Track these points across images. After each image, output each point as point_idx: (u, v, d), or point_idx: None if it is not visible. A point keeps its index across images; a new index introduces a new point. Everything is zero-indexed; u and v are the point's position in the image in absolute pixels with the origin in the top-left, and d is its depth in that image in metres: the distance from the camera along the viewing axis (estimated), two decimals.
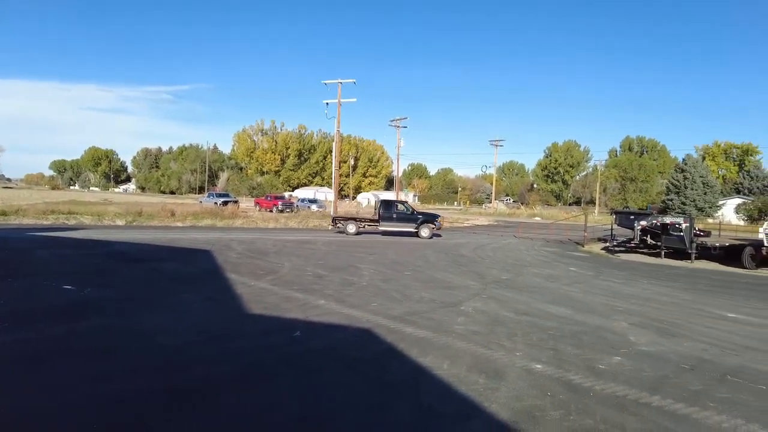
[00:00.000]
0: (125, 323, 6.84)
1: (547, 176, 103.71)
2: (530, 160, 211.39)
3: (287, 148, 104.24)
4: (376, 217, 25.40)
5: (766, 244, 17.74)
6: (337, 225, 26.35)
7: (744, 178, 76.10)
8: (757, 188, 69.77)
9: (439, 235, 25.67)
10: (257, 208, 45.13)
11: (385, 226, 24.83)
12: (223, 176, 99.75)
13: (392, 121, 51.42)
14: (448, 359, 5.72)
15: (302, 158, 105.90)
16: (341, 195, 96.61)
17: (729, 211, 61.99)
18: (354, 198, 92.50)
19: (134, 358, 5.46)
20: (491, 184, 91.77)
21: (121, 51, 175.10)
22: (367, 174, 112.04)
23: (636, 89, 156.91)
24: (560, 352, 6.16)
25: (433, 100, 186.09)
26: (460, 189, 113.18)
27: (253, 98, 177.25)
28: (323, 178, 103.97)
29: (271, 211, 42.22)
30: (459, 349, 6.15)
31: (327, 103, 34.30)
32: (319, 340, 6.39)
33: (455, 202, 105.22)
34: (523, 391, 4.83)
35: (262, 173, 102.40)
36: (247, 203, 53.95)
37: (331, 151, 35.48)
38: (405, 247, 19.62)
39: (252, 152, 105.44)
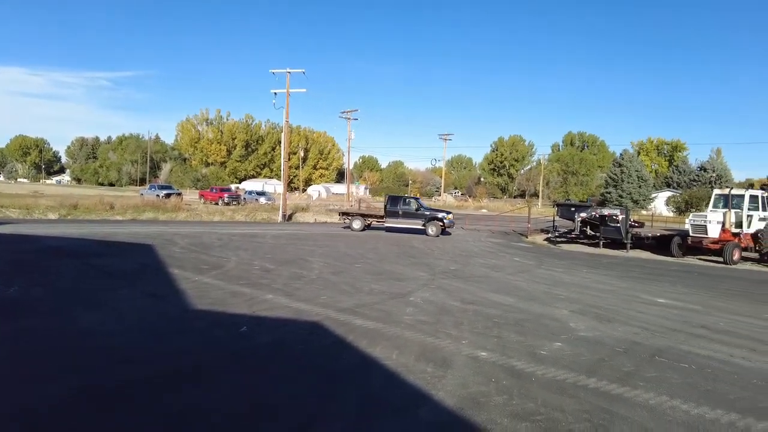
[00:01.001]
0: (56, 323, 6.44)
1: (494, 170, 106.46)
2: (478, 154, 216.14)
3: (234, 139, 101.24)
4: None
5: (691, 233, 19.06)
6: (345, 220, 25.67)
7: (673, 172, 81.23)
8: (685, 182, 74.72)
9: (449, 233, 24.33)
10: (202, 200, 43.68)
11: (390, 223, 23.85)
12: (166, 167, 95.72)
13: (343, 112, 51.15)
14: (397, 349, 5.77)
15: (250, 149, 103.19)
16: (291, 187, 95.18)
17: (660, 204, 66.15)
18: (304, 190, 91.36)
19: (63, 359, 5.16)
20: (441, 177, 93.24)
21: (54, 33, 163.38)
22: (318, 166, 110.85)
23: (578, 86, 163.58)
24: (504, 340, 6.37)
25: (385, 93, 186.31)
26: (410, 182, 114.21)
27: (197, 87, 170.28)
28: (272, 170, 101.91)
29: (216, 203, 41.00)
30: (407, 338, 6.22)
31: (275, 93, 33.54)
32: (267, 335, 6.29)
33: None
34: (468, 378, 4.95)
35: (208, 164, 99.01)
36: (191, 196, 52.13)
37: (280, 142, 34.77)
38: (356, 240, 19.62)
39: (196, 143, 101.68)
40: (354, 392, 4.59)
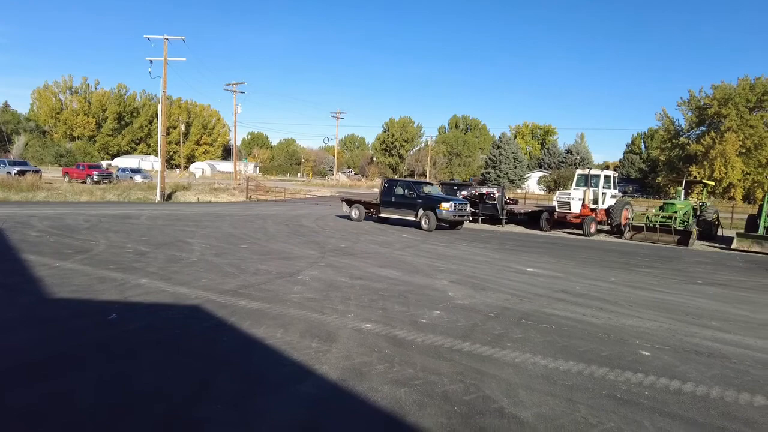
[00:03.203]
0: None
1: (385, 150, 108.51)
2: (370, 133, 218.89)
3: (104, 111, 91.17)
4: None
5: (557, 209, 21.20)
6: (344, 209, 21.30)
7: (545, 154, 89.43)
8: (554, 163, 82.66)
9: (459, 228, 19.24)
10: (66, 179, 39.04)
11: (385, 213, 19.85)
12: (20, 141, 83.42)
13: (228, 85, 48.44)
14: (282, 328, 5.69)
15: (123, 122, 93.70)
16: (172, 164, 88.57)
17: (533, 183, 72.60)
18: (186, 168, 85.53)
19: None
20: (334, 156, 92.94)
21: None
22: (202, 142, 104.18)
23: (462, 71, 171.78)
24: (389, 311, 6.58)
25: (275, 68, 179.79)
26: (303, 160, 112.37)
27: (57, 50, 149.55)
28: (149, 146, 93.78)
29: (84, 182, 36.94)
30: (293, 316, 6.16)
31: (151, 61, 30.72)
32: (140, 321, 5.82)
33: (298, 174, 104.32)
34: (352, 350, 5.04)
35: (73, 138, 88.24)
36: (53, 173, 46.32)
37: (158, 115, 32.09)
38: (243, 220, 18.89)
39: (58, 113, 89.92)
40: (234, 373, 4.44)
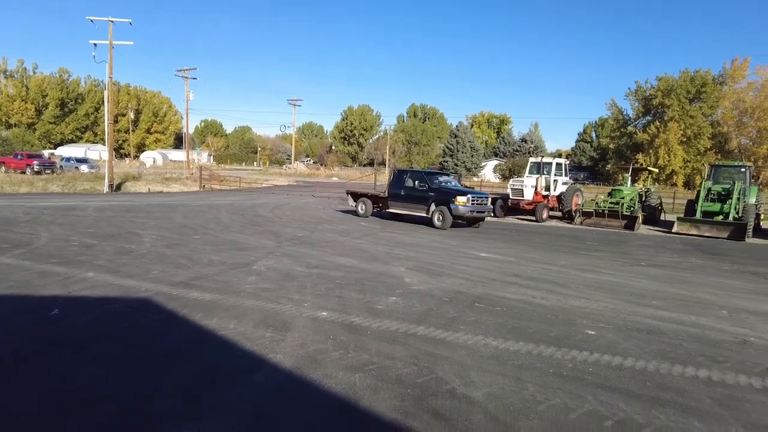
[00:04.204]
0: None
1: (344, 138, 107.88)
2: (329, 122, 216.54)
3: (44, 96, 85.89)
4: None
5: (511, 196, 21.75)
6: (351, 203, 19.30)
7: (500, 143, 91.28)
8: (509, 152, 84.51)
9: (477, 226, 16.90)
10: (3, 169, 36.78)
11: (394, 208, 17.49)
12: None
13: (179, 71, 46.70)
14: (236, 318, 5.60)
15: (67, 109, 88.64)
16: (121, 154, 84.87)
17: (489, 171, 74.08)
18: (136, 157, 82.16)
19: None
20: (291, 144, 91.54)
21: None
22: (153, 130, 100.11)
23: (421, 60, 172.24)
24: (345, 299, 6.59)
25: (228, 53, 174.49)
26: (259, 149, 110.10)
27: None
28: (96, 134, 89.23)
29: (23, 172, 34.93)
30: (247, 307, 6.07)
31: (95, 44, 29.17)
32: (84, 316, 5.59)
33: (254, 163, 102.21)
34: (307, 338, 5.03)
35: (9, 126, 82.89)
36: None
37: (105, 102, 30.64)
38: (195, 210, 18.37)
39: None
40: (185, 366, 4.35)
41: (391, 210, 17.63)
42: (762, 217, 21.23)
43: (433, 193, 16.22)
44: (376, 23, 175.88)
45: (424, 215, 16.41)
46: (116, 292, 6.57)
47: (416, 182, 16.82)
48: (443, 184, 16.91)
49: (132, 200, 22.67)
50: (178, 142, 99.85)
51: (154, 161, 75.49)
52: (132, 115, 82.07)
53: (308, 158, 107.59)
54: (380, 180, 35.12)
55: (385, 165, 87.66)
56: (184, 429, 3.30)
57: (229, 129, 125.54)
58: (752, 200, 19.01)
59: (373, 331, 5.33)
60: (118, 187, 30.73)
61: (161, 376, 4.13)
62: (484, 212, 16.46)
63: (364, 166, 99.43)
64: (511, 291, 7.54)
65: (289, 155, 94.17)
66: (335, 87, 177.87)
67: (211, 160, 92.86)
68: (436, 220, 15.93)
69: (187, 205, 20.20)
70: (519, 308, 6.54)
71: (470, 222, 16.71)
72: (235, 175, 45.74)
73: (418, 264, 9.46)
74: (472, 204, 15.68)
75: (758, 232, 19.00)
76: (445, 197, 15.84)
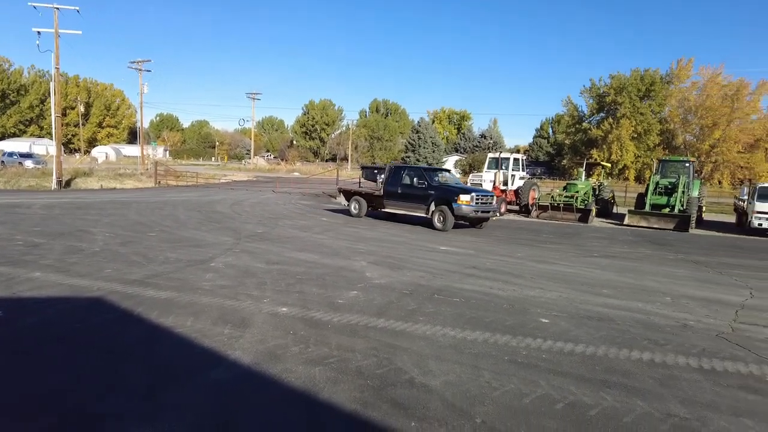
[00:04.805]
0: None
1: (306, 133, 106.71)
2: (290, 116, 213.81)
3: None
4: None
5: None
6: (342, 202, 18.18)
7: (461, 139, 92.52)
8: (469, 147, 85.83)
9: (480, 226, 15.60)
10: None
11: (390, 207, 16.29)
12: None
13: (133, 62, 44.95)
14: (193, 316, 5.50)
15: (8, 101, 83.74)
16: (70, 149, 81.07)
17: (450, 166, 74.86)
18: (88, 152, 78.64)
19: None
20: (251, 139, 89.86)
21: None
22: (105, 124, 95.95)
23: (382, 54, 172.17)
24: (305, 294, 6.58)
25: (184, 45, 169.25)
26: (217, 143, 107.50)
27: None
28: (42, 128, 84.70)
29: None
30: (205, 304, 5.97)
31: (39, 33, 27.69)
32: (32, 318, 5.36)
33: (213, 158, 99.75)
34: (267, 334, 5.00)
35: None
36: None
37: (51, 94, 29.19)
38: (150, 207, 17.82)
39: None
40: (141, 365, 4.25)
41: (387, 209, 16.32)
42: (704, 209, 22.47)
43: (433, 192, 14.87)
44: (337, 17, 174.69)
45: (423, 215, 15.17)
46: (66, 292, 6.32)
47: (415, 179, 15.42)
48: (444, 181, 15.88)
49: (83, 197, 21.75)
50: (132, 137, 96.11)
51: (106, 156, 72.48)
52: (82, 108, 78.34)
53: (268, 153, 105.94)
54: (342, 176, 35.01)
55: (347, 160, 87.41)
56: (140, 429, 3.24)
57: (185, 123, 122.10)
58: (695, 194, 20.07)
59: (333, 325, 5.35)
60: (68, 183, 29.40)
61: (115, 376, 4.03)
62: (489, 212, 15.07)
63: (327, 161, 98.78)
64: (470, 282, 7.71)
65: (248, 150, 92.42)
66: (296, 81, 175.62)
67: (167, 155, 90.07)
68: (437, 220, 14.64)
69: (142, 202, 19.56)
70: (477, 299, 6.71)
71: (473, 222, 15.55)
72: (192, 171, 44.48)
73: (379, 258, 9.52)
74: (477, 203, 14.37)
75: (700, 223, 20.11)
76: (447, 196, 14.55)
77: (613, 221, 20.46)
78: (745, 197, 20.17)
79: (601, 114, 64.58)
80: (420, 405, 3.61)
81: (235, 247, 10.06)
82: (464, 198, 14.18)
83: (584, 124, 65.96)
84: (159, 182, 34.68)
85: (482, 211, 14.68)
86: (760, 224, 17.40)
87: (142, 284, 6.79)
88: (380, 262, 9.14)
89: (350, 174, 55.58)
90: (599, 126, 62.32)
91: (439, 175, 16.26)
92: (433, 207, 14.77)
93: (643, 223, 18.78)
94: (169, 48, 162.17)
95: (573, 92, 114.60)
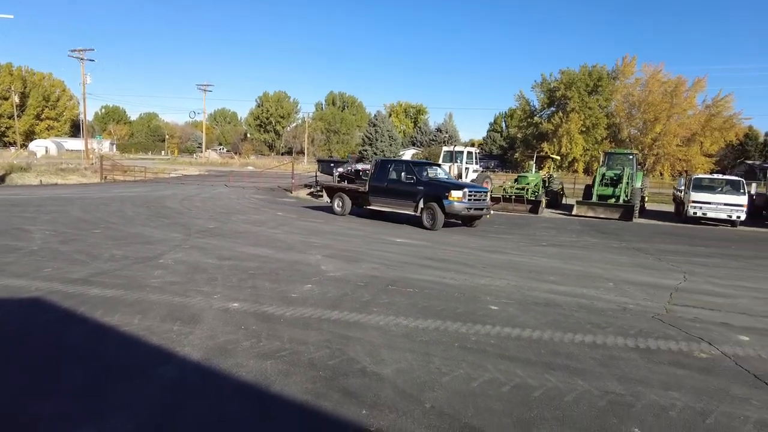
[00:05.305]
0: None
1: (260, 126, 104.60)
2: (243, 108, 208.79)
3: None
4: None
5: None
6: (325, 199, 17.25)
7: (417, 132, 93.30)
8: (426, 141, 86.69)
9: (472, 225, 14.67)
10: None
11: (375, 204, 15.29)
12: None
13: (74, 51, 42.67)
14: (140, 314, 5.34)
15: None
16: (5, 142, 76.17)
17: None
18: (24, 146, 74.05)
19: None
20: (202, 132, 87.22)
21: None
22: (44, 116, 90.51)
23: (338, 46, 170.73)
24: (258, 289, 6.50)
25: (131, 35, 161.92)
26: (167, 137, 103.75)
27: None
28: None
29: None
30: (153, 301, 5.80)
31: None
32: None
33: (162, 151, 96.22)
34: (217, 329, 4.92)
35: None
36: None
37: None
38: (95, 203, 17.05)
39: None
40: (85, 365, 4.11)
41: (372, 207, 15.34)
42: (646, 199, 23.71)
43: (422, 187, 13.88)
44: (290, 7, 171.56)
45: (412, 213, 14.05)
46: (1, 294, 5.98)
47: (403, 174, 14.45)
48: (434, 176, 14.97)
49: (19, 193, 20.55)
50: (75, 130, 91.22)
51: (46, 151, 68.51)
52: (17, 99, 73.70)
53: (221, 146, 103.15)
54: (298, 169, 34.62)
55: (303, 153, 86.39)
56: (85, 429, 3.13)
57: (133, 116, 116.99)
58: (638, 185, 21.13)
59: (286, 318, 5.33)
60: (2, 179, 27.68)
61: (58, 377, 3.87)
62: (482, 209, 14.07)
63: (282, 154, 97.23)
64: (424, 273, 7.84)
65: (200, 143, 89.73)
66: (249, 72, 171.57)
67: (114, 149, 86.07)
68: (426, 219, 13.66)
69: (87, 198, 18.67)
70: (430, 288, 6.83)
71: (466, 221, 14.62)
72: (141, 165, 42.77)
73: (335, 251, 9.52)
74: (470, 200, 13.40)
75: (643, 212, 21.21)
76: (437, 192, 13.55)
77: (562, 212, 21.24)
78: (682, 188, 21.40)
79: (552, 108, 66.62)
80: (371, 393, 3.66)
81: (185, 243, 9.80)
82: (456, 194, 13.18)
83: (536, 118, 67.86)
84: (105, 177, 33.17)
85: (475, 209, 13.71)
86: (695, 213, 18.55)
87: (86, 283, 6.52)
88: (336, 255, 9.14)
89: (306, 168, 54.97)
90: (550, 120, 64.31)
91: (429, 169, 15.33)
92: (422, 204, 13.78)
93: (590, 213, 19.61)
94: (114, 36, 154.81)
95: (525, 87, 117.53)
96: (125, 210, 15.16)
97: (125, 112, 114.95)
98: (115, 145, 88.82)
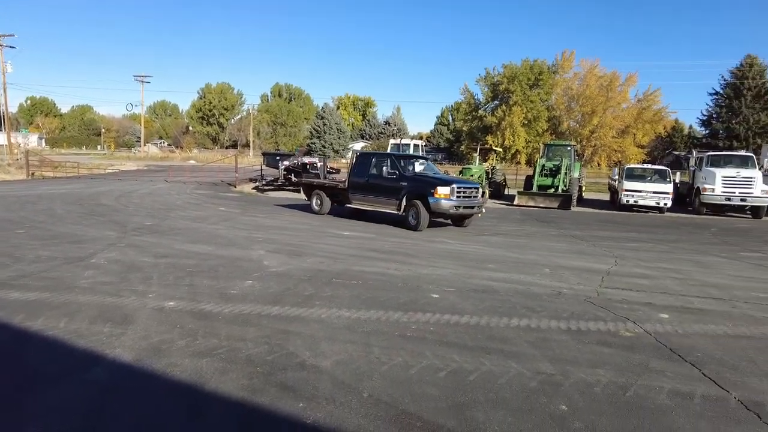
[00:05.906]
0: None
1: (202, 118, 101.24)
2: (185, 100, 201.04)
3: None
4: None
5: None
6: (306, 198, 15.96)
7: (366, 125, 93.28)
8: (374, 134, 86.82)
9: (463, 225, 13.49)
10: None
11: (356, 202, 14.09)
12: None
13: None
14: (67, 316, 5.05)
15: None
16: None
17: None
18: None
19: None
20: (141, 125, 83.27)
21: None
22: None
23: (282, 37, 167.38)
24: (196, 287, 6.31)
25: (59, 20, 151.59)
26: (103, 130, 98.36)
27: None
28: None
29: None
30: (82, 303, 5.50)
31: None
32: None
33: (98, 146, 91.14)
34: (151, 329, 4.74)
35: None
36: None
37: None
38: (20, 201, 15.94)
39: None
40: (4, 372, 3.86)
41: (353, 205, 14.20)
42: (584, 188, 24.85)
43: (406, 183, 12.66)
44: None
45: (395, 212, 12.84)
46: None
47: (385, 169, 13.14)
48: (420, 172, 13.78)
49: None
50: None
51: None
52: None
53: (162, 140, 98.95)
54: (243, 163, 33.76)
55: (249, 147, 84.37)
56: None
57: (64, 108, 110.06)
58: (576, 175, 22.11)
59: (224, 316, 5.21)
60: None
61: None
62: (473, 207, 12.84)
63: (227, 147, 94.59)
64: (368, 265, 7.88)
65: (138, 137, 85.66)
66: (190, 63, 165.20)
67: (43, 143, 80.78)
68: (411, 218, 12.47)
69: (10, 196, 17.41)
70: (374, 280, 6.88)
71: (455, 220, 13.50)
72: (73, 161, 40.32)
73: (278, 246, 9.38)
74: (458, 197, 12.20)
75: (581, 201, 22.26)
76: (422, 189, 12.34)
77: (504, 202, 21.91)
78: (616, 177, 22.59)
79: (495, 102, 68.25)
80: (309, 386, 3.65)
81: (119, 242, 9.35)
82: (442, 191, 12.00)
83: (480, 111, 69.33)
84: (32, 174, 31.04)
85: (465, 207, 12.47)
86: (628, 201, 19.67)
87: (5, 286, 6.09)
88: (280, 250, 9.01)
89: (252, 161, 53.72)
90: (494, 113, 65.90)
91: (415, 163, 14.16)
92: (405, 202, 12.59)
93: (531, 203, 20.34)
94: (38, 22, 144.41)
95: (470, 81, 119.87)
96: (55, 208, 14.27)
97: (55, 104, 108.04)
98: (44, 140, 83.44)
